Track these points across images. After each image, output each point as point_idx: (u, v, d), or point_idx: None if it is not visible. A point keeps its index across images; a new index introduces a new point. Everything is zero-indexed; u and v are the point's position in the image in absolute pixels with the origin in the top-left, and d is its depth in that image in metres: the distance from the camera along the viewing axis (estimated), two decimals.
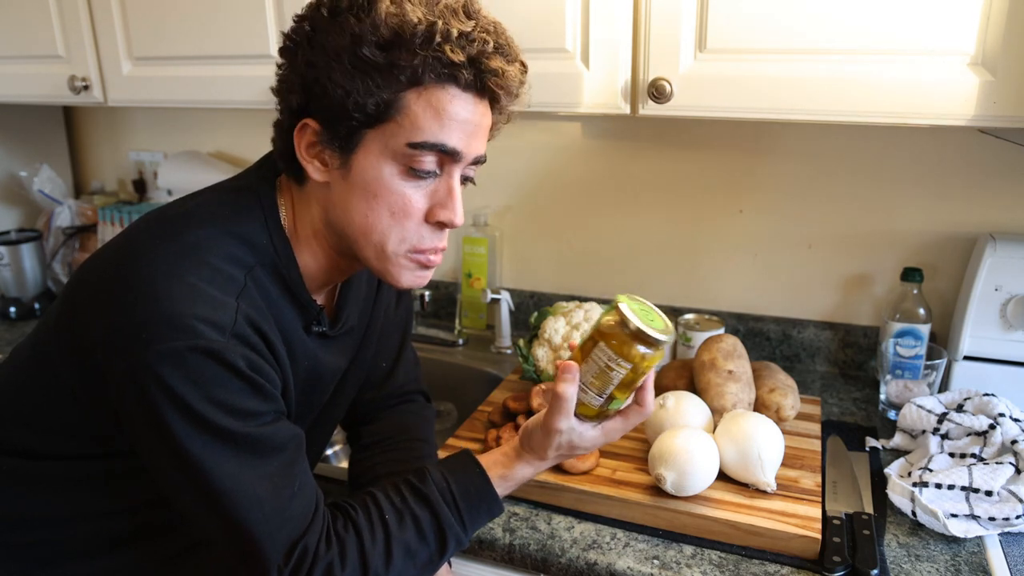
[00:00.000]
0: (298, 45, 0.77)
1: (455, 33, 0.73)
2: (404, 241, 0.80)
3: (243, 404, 0.73)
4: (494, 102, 0.82)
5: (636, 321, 0.78)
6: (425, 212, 0.80)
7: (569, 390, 0.82)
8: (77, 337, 0.76)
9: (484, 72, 0.76)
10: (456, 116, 0.77)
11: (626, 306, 0.80)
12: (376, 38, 0.73)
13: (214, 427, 0.71)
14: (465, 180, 0.83)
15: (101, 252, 0.80)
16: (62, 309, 0.80)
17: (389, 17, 0.73)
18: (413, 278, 0.83)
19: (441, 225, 0.81)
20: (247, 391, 0.73)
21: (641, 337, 0.78)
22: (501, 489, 0.87)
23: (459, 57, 0.74)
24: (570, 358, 0.84)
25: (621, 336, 0.79)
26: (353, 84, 0.74)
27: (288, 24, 0.80)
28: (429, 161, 0.77)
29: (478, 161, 0.82)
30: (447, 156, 0.78)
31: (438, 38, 0.73)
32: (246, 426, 0.73)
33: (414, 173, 0.78)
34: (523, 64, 0.82)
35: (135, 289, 0.72)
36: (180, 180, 1.81)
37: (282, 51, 0.80)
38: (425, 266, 0.83)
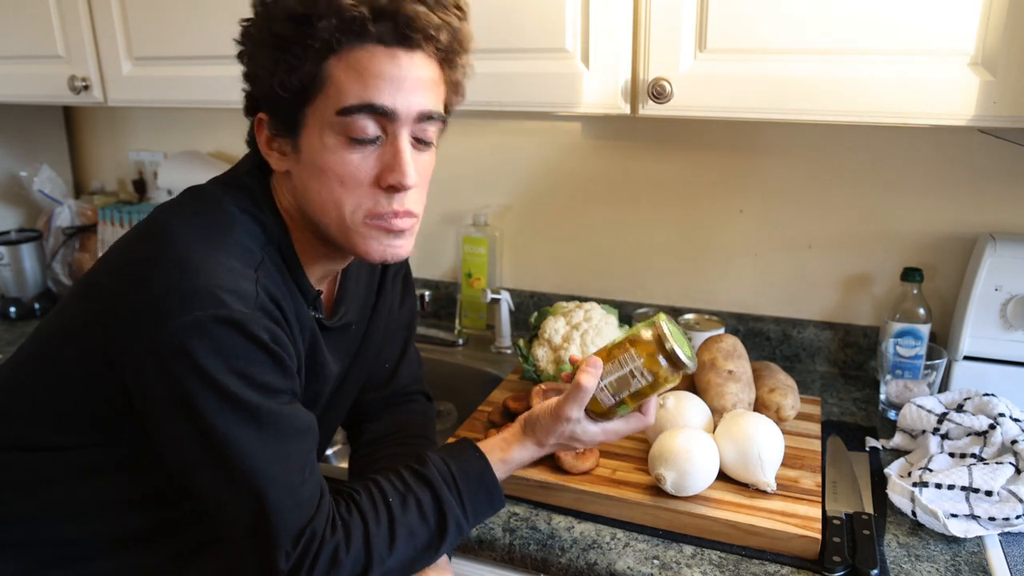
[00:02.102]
0: (243, 45, 0.80)
1: None
2: (359, 207, 0.78)
3: (265, 378, 0.72)
4: (440, 56, 0.79)
5: (672, 342, 0.83)
6: (375, 177, 0.78)
7: (591, 382, 0.84)
8: (98, 315, 0.75)
9: (399, 21, 0.74)
10: (379, 73, 0.74)
11: (666, 326, 0.84)
12: (285, 13, 0.73)
13: (236, 399, 0.70)
14: (421, 143, 0.80)
15: (124, 237, 0.81)
16: (82, 292, 0.80)
17: None
18: (382, 248, 0.80)
19: (393, 188, 0.78)
20: (269, 364, 0.73)
21: (672, 358, 0.83)
22: (499, 472, 0.87)
23: (360, 10, 0.72)
24: (595, 353, 0.88)
25: (653, 351, 0.84)
26: (276, 64, 0.75)
27: None
28: (365, 125, 0.76)
29: (428, 117, 0.79)
30: (382, 116, 0.76)
31: None
32: (268, 401, 0.72)
33: (355, 141, 0.76)
34: (459, 8, 0.79)
35: (156, 264, 0.72)
36: (180, 180, 1.80)
37: (238, 56, 0.81)
38: (390, 231, 0.80)
